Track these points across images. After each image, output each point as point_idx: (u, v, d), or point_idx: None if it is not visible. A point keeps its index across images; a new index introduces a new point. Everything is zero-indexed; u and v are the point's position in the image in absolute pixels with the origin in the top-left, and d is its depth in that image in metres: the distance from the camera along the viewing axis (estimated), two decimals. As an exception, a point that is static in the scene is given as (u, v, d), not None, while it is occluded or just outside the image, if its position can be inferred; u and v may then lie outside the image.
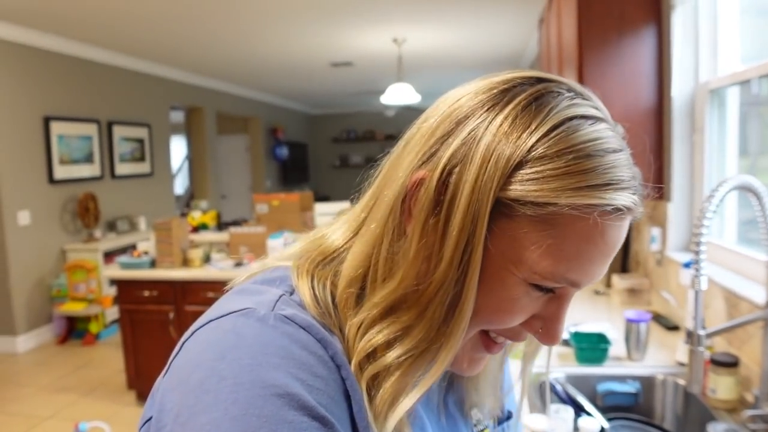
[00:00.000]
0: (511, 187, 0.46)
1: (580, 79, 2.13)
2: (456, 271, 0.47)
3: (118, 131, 6.14)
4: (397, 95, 6.19)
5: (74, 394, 3.89)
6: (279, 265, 0.57)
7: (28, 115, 4.97)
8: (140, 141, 6.56)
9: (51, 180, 5.18)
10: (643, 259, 2.45)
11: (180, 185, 9.51)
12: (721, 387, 1.40)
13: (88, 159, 5.67)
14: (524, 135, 0.46)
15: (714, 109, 2.00)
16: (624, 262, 2.63)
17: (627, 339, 1.73)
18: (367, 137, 12.66)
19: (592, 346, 1.71)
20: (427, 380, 0.50)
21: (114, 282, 4.00)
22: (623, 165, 0.48)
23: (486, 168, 0.46)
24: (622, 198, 0.47)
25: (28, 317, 4.96)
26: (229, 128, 9.96)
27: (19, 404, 3.76)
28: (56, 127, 5.23)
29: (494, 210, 0.46)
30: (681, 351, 1.68)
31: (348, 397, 0.48)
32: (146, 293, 3.49)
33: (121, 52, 6.00)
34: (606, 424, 1.41)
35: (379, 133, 12.53)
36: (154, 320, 3.50)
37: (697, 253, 1.15)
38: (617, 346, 1.77)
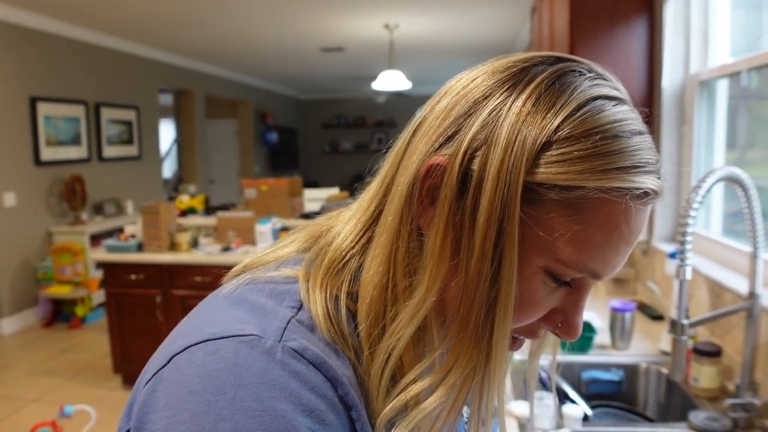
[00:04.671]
0: (537, 170, 0.43)
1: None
2: (490, 265, 0.43)
3: (106, 113, 6.06)
4: (389, 82, 6.16)
5: (59, 377, 3.87)
6: (278, 274, 0.51)
7: (15, 95, 4.89)
8: (128, 123, 6.48)
9: (37, 161, 5.11)
10: (629, 249, 2.47)
11: (168, 169, 9.44)
12: (703, 376, 1.42)
13: (75, 141, 5.60)
14: (549, 115, 0.44)
15: (703, 100, 2.01)
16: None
17: (612, 328, 1.74)
18: (358, 123, 12.61)
19: (577, 335, 1.72)
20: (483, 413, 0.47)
21: (100, 265, 3.97)
22: (648, 148, 0.46)
23: (512, 150, 0.43)
24: (649, 181, 0.45)
25: (13, 300, 4.91)
26: (218, 112, 9.87)
27: (3, 387, 3.74)
28: (43, 108, 5.15)
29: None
30: (665, 340, 1.70)
31: None
32: (133, 277, 3.47)
33: (110, 34, 5.91)
34: (589, 412, 1.43)
35: (369, 119, 12.49)
36: (140, 304, 3.48)
37: (682, 243, 1.16)
38: (602, 335, 1.79)
